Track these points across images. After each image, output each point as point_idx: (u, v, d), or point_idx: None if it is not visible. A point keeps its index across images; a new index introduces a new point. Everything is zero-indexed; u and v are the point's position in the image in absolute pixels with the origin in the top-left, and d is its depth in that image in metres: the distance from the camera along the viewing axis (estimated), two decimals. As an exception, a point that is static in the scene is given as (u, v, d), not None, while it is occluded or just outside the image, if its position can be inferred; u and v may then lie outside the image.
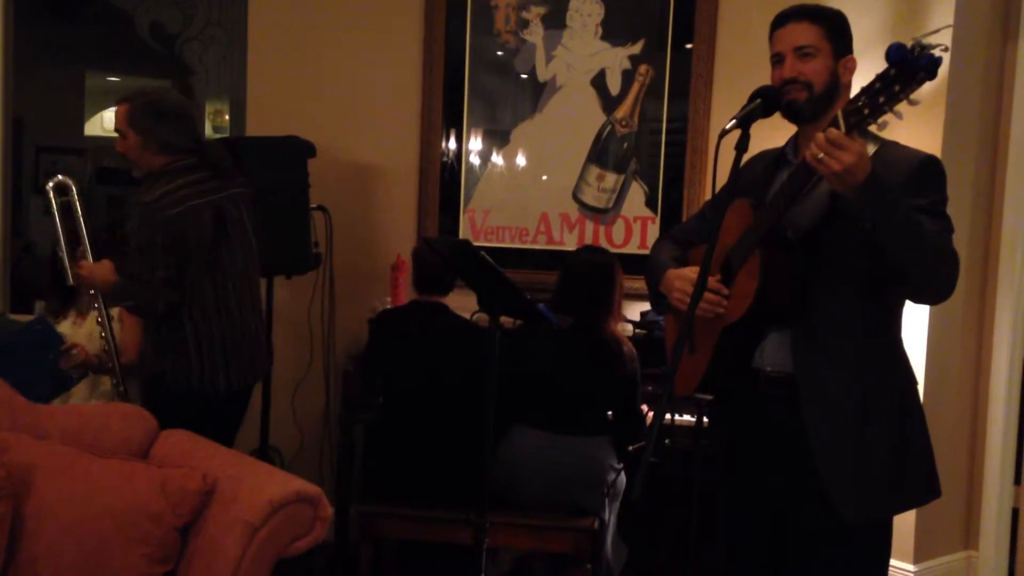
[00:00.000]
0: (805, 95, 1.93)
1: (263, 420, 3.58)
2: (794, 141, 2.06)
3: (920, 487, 2.00)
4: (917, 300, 1.97)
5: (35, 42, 5.85)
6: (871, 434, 1.90)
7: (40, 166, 6.34)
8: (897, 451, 1.93)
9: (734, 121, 1.86)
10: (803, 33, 1.94)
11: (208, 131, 6.02)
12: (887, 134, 1.89)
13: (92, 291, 3.13)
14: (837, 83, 1.95)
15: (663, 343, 2.36)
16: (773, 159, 2.08)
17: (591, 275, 3.11)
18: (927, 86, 1.62)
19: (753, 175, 2.08)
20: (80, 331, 3.59)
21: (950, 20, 3.17)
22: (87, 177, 6.51)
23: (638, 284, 3.43)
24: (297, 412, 3.89)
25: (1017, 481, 3.66)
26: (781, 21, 1.98)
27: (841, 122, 1.69)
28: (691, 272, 2.04)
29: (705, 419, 2.36)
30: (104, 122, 7.10)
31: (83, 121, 6.82)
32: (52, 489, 2.23)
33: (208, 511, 2.22)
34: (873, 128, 1.68)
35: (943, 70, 3.27)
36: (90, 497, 2.21)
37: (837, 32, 1.96)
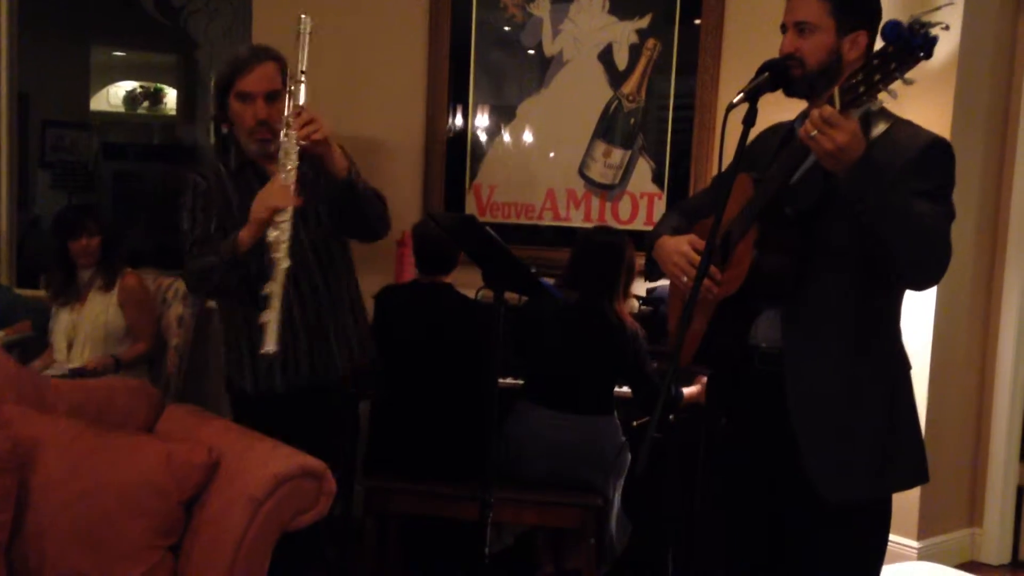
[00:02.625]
0: (799, 72, 1.89)
1: (268, 395, 3.58)
2: (803, 117, 2.02)
3: (906, 472, 1.96)
4: (901, 284, 1.93)
5: (40, 17, 5.83)
6: (855, 417, 1.88)
7: (46, 141, 6.34)
8: (882, 434, 1.90)
9: (741, 95, 1.83)
10: (805, 7, 1.89)
11: (212, 106, 6.01)
12: (898, 110, 1.87)
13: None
14: (839, 61, 1.88)
15: (667, 319, 2.35)
16: (785, 132, 2.05)
17: (601, 254, 3.10)
18: (936, 62, 1.60)
19: (765, 147, 2.05)
20: (83, 314, 3.58)
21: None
22: (93, 152, 6.51)
23: (643, 260, 3.43)
24: (302, 387, 3.89)
25: (1023, 459, 3.66)
26: None
27: (836, 99, 1.66)
28: (684, 244, 2.01)
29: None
30: (110, 97, 7.09)
31: (88, 96, 6.81)
32: (57, 463, 2.24)
33: (213, 485, 2.23)
34: (888, 102, 1.64)
35: (952, 45, 3.25)
36: (94, 471, 2.22)
37: (846, 7, 1.88)
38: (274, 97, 2.40)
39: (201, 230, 2.42)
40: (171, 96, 7.10)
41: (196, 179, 2.47)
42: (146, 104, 7.21)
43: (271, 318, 2.16)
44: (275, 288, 2.18)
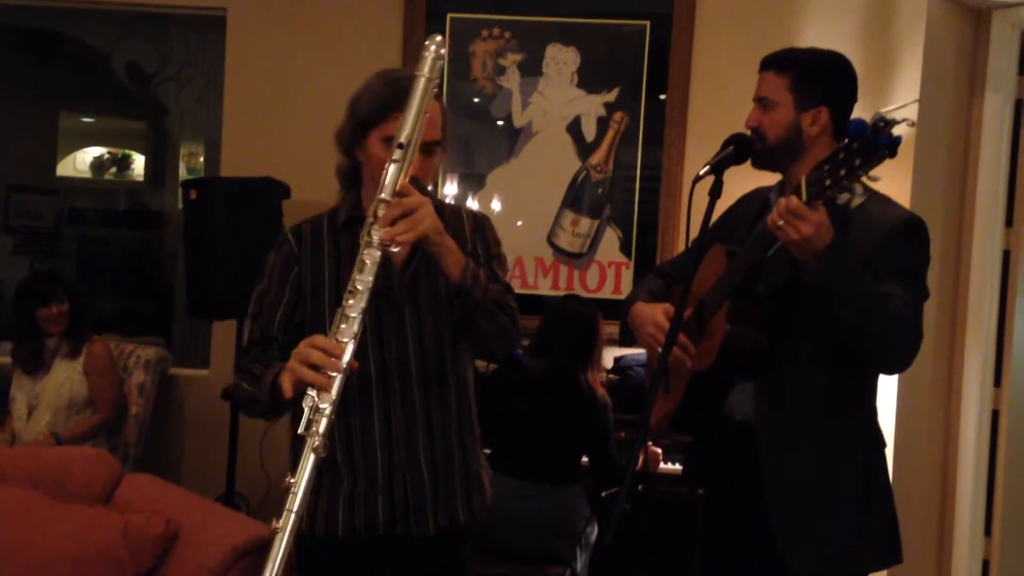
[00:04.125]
0: (760, 146, 1.92)
1: (229, 465, 3.51)
2: (779, 188, 2.03)
3: (880, 552, 1.94)
4: (872, 368, 1.93)
5: (9, 81, 5.83)
6: (829, 493, 1.87)
7: (11, 205, 6.28)
8: (856, 513, 1.89)
9: (707, 167, 1.87)
10: (767, 83, 1.93)
11: (183, 173, 6.00)
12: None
13: None
14: (799, 136, 1.90)
15: (635, 389, 2.34)
16: (759, 203, 2.06)
17: (576, 324, 3.10)
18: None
19: (742, 214, 2.07)
20: (46, 383, 3.51)
21: (919, 74, 3.23)
22: (56, 216, 6.45)
23: (612, 329, 3.43)
24: (264, 457, 3.82)
25: (987, 532, 3.66)
26: (760, 67, 1.98)
27: (803, 190, 1.67)
28: (659, 313, 2.02)
29: (679, 465, 2.34)
30: (77, 163, 7.06)
31: (56, 161, 6.78)
32: (10, 534, 2.17)
33: (170, 557, 2.17)
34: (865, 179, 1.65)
35: (909, 130, 3.33)
36: (49, 542, 2.15)
37: (805, 84, 1.90)
38: (430, 151, 1.82)
39: (265, 319, 1.89)
40: (139, 162, 7.09)
41: (286, 236, 1.97)
42: (113, 170, 7.18)
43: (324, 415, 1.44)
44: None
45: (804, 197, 1.67)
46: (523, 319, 3.57)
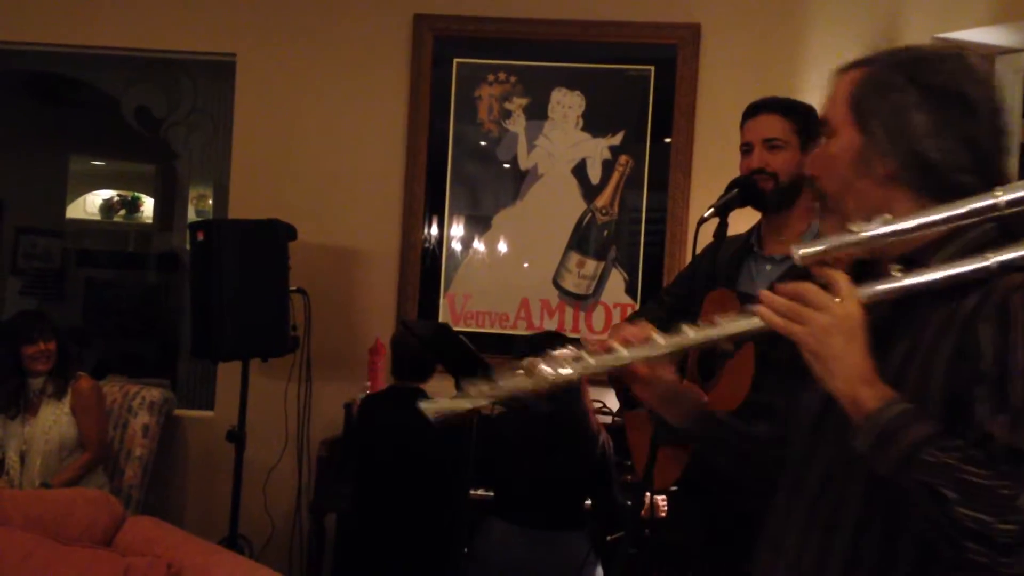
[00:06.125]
0: (771, 185, 1.95)
1: (233, 507, 3.48)
2: (758, 231, 2.06)
3: None
4: None
5: (20, 125, 5.90)
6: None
7: (19, 247, 6.33)
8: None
9: (711, 210, 1.88)
10: (772, 126, 1.97)
11: (191, 215, 6.05)
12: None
13: None
14: (803, 177, 1.95)
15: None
16: (738, 247, 2.07)
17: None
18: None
19: (713, 262, 2.06)
20: (35, 427, 3.48)
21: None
22: (61, 258, 6.50)
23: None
24: (268, 499, 3.80)
25: None
26: (752, 112, 2.02)
27: None
28: None
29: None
30: (87, 205, 7.12)
31: (65, 203, 6.84)
32: (10, 577, 2.15)
33: (172, 602, 2.15)
34: None
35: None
36: (49, 586, 2.13)
37: (806, 127, 1.97)
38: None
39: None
40: (148, 205, 7.15)
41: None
42: (123, 212, 7.25)
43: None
44: None
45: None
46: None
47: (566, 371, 1.20)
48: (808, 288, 1.11)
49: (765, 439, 1.36)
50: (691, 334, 1.18)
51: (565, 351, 1.22)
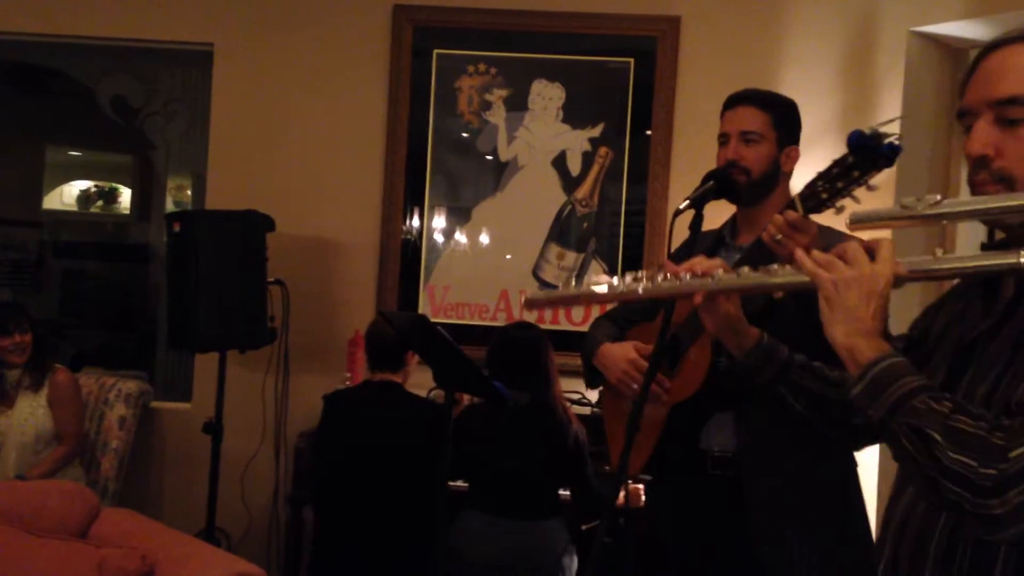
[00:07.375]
0: (744, 179, 1.95)
1: (210, 499, 3.47)
2: (732, 224, 2.07)
3: (860, 561, 1.96)
4: None
5: (-4, 116, 5.83)
6: (813, 519, 1.88)
7: (-6, 238, 6.26)
8: (836, 524, 1.91)
9: (687, 202, 1.88)
10: (751, 118, 1.97)
11: (169, 206, 6.00)
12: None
13: None
14: (778, 171, 1.97)
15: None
16: (711, 240, 2.08)
17: (530, 349, 3.05)
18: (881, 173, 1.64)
19: (688, 256, 2.07)
20: (11, 419, 3.46)
21: (899, 111, 3.28)
22: (39, 249, 6.44)
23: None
24: (246, 491, 3.79)
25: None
26: (732, 103, 2.02)
27: (799, 206, 1.69)
28: (631, 351, 2.02)
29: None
30: (63, 196, 7.05)
31: (42, 194, 6.77)
32: (-18, 570, 2.13)
33: (147, 594, 2.14)
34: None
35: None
36: (22, 578, 2.12)
37: (785, 122, 1.99)
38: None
39: None
40: (125, 195, 7.09)
41: None
42: (100, 203, 7.18)
43: None
44: None
45: (800, 212, 1.68)
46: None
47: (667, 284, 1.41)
48: (850, 245, 1.17)
49: (842, 382, 1.34)
50: (749, 273, 1.32)
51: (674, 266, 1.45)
